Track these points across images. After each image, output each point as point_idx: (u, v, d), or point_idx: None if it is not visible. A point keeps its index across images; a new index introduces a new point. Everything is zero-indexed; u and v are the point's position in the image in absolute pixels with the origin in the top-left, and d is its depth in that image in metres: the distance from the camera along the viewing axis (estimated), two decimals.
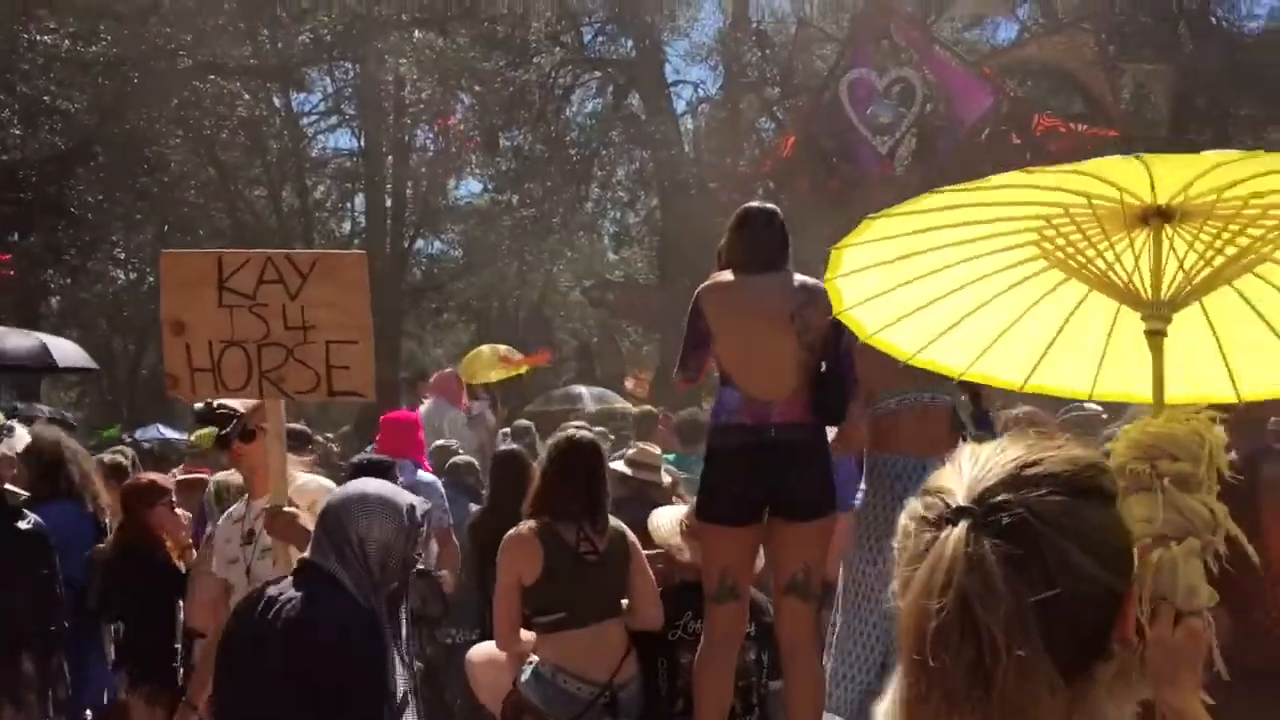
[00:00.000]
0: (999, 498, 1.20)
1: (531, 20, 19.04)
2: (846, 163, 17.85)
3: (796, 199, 17.53)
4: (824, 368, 4.35)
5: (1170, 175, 1.82)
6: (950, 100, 17.73)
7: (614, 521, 4.50)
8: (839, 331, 4.25)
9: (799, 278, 4.44)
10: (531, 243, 23.48)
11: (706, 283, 4.53)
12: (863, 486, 4.70)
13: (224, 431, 4.09)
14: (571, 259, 24.40)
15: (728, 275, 4.49)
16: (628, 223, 25.41)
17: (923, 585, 1.18)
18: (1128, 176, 1.84)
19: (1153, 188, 1.86)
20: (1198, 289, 1.94)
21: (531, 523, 4.40)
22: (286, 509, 3.87)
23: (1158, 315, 1.94)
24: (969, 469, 1.25)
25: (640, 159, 23.49)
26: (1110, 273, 1.98)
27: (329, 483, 4.28)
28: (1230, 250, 1.91)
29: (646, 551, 4.57)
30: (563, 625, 4.29)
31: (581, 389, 14.69)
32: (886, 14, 18.44)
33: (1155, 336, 1.94)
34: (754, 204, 4.80)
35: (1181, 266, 1.94)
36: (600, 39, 23.97)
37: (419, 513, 3.00)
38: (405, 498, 3.05)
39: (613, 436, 11.78)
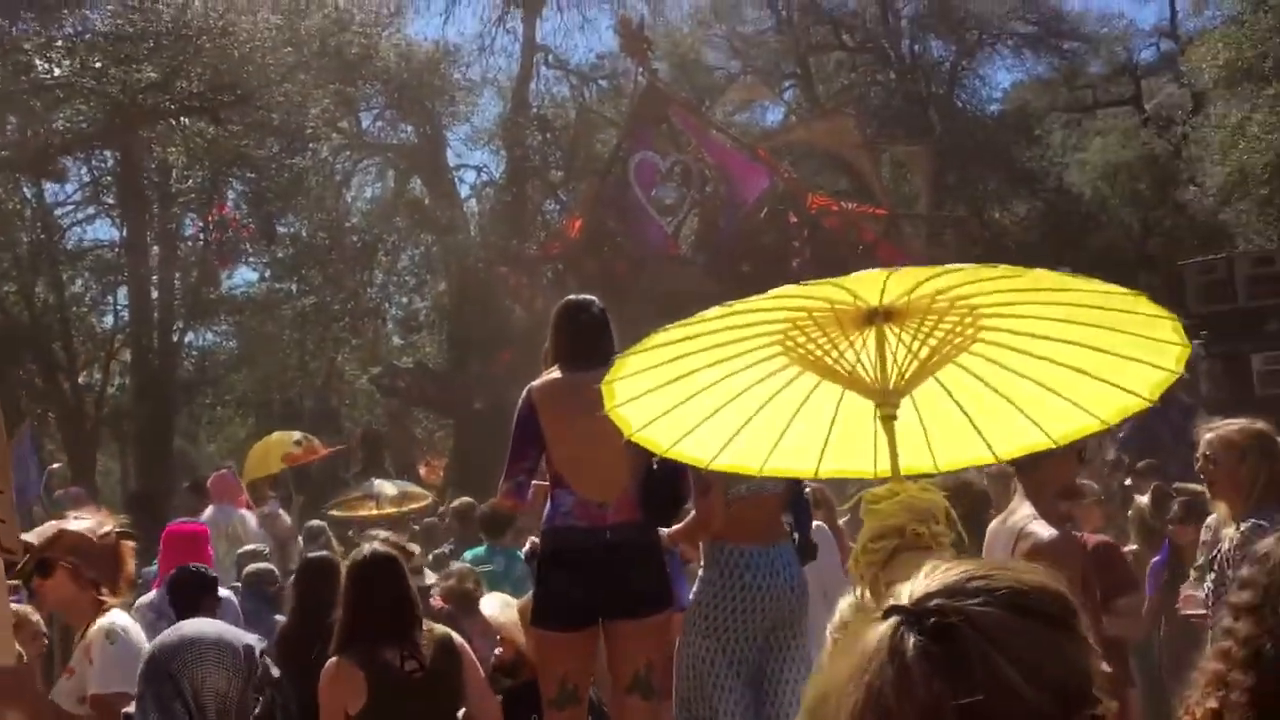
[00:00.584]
0: (934, 602, 1.21)
1: (309, 106, 18.61)
2: (633, 243, 18.18)
3: (585, 281, 17.71)
4: (654, 464, 4.30)
5: (900, 283, 2.06)
6: (729, 181, 18.38)
7: (438, 629, 4.30)
8: None
9: None
10: (313, 331, 22.74)
11: (537, 382, 4.46)
12: (701, 574, 4.67)
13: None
14: (356, 346, 23.75)
15: (556, 373, 4.42)
16: (415, 308, 25.03)
17: (848, 673, 1.19)
18: (864, 284, 2.09)
19: (883, 293, 2.10)
20: (914, 379, 2.18)
21: (350, 652, 4.09)
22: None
23: (888, 403, 2.16)
24: (921, 579, 1.25)
25: (425, 243, 23.25)
26: (842, 366, 2.22)
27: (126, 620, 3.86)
28: (932, 342, 2.19)
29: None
30: None
31: (377, 481, 14.22)
32: (664, 100, 19.03)
33: (888, 420, 2.15)
34: (573, 297, 4.78)
35: (897, 359, 2.20)
36: (379, 124, 23.74)
37: (256, 651, 2.72)
38: (241, 638, 2.76)
39: (416, 526, 11.41)
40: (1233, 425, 4.32)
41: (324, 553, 6.91)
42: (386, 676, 4.05)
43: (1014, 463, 4.19)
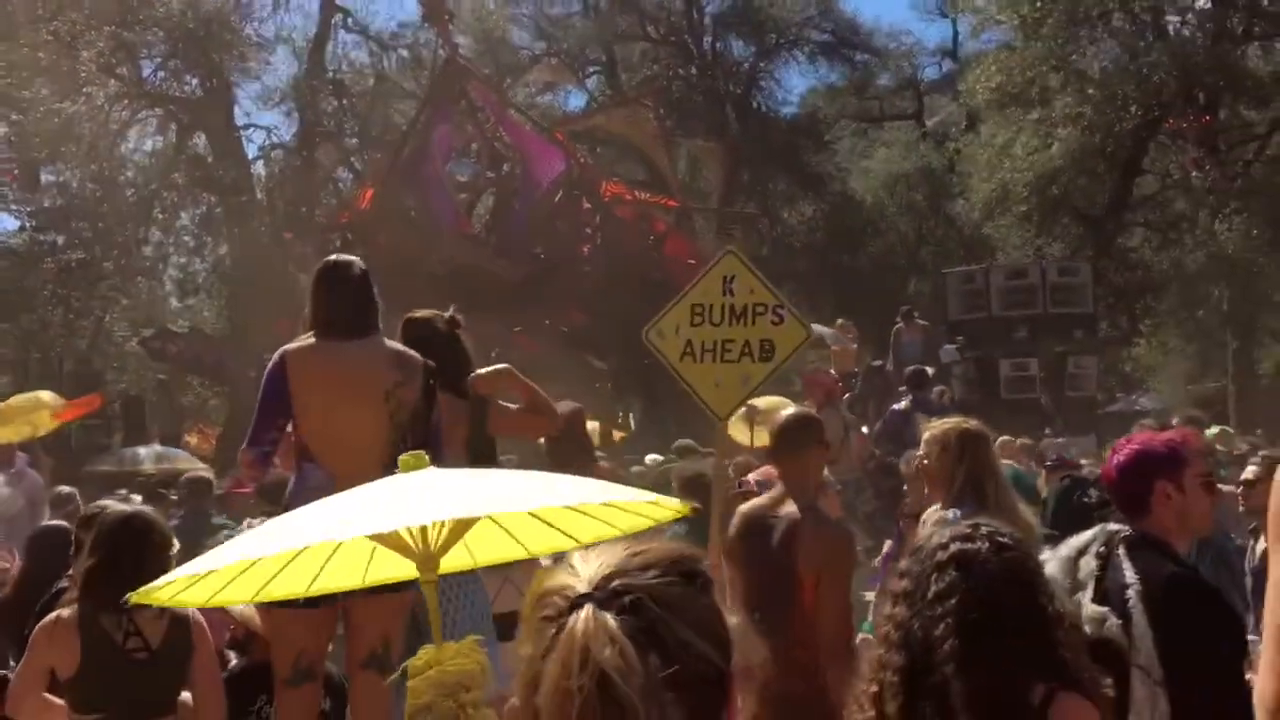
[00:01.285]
0: (616, 582, 1.27)
1: (81, 49, 17.47)
2: (426, 218, 17.93)
3: (374, 253, 17.35)
4: (405, 442, 4.28)
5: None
6: (526, 163, 18.37)
7: (179, 611, 4.15)
8: (430, 406, 4.24)
9: (393, 347, 4.31)
10: (81, 288, 21.40)
11: (292, 345, 4.30)
12: None
13: None
14: (127, 307, 22.49)
15: (312, 339, 4.30)
16: (193, 270, 23.90)
17: (561, 668, 1.22)
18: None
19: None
20: (447, 542, 2.15)
21: (71, 610, 3.89)
22: None
23: (428, 567, 2.14)
24: (581, 565, 1.31)
25: (207, 203, 22.22)
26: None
27: None
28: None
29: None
30: None
31: (140, 449, 13.51)
32: (464, 75, 18.82)
33: (428, 585, 2.15)
34: (335, 257, 4.58)
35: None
36: (161, 75, 22.50)
37: None
38: None
39: (174, 495, 10.94)
40: (946, 423, 4.57)
41: (59, 522, 6.57)
42: (103, 649, 3.84)
43: (777, 458, 4.50)
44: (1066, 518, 5.85)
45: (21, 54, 16.87)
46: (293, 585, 2.24)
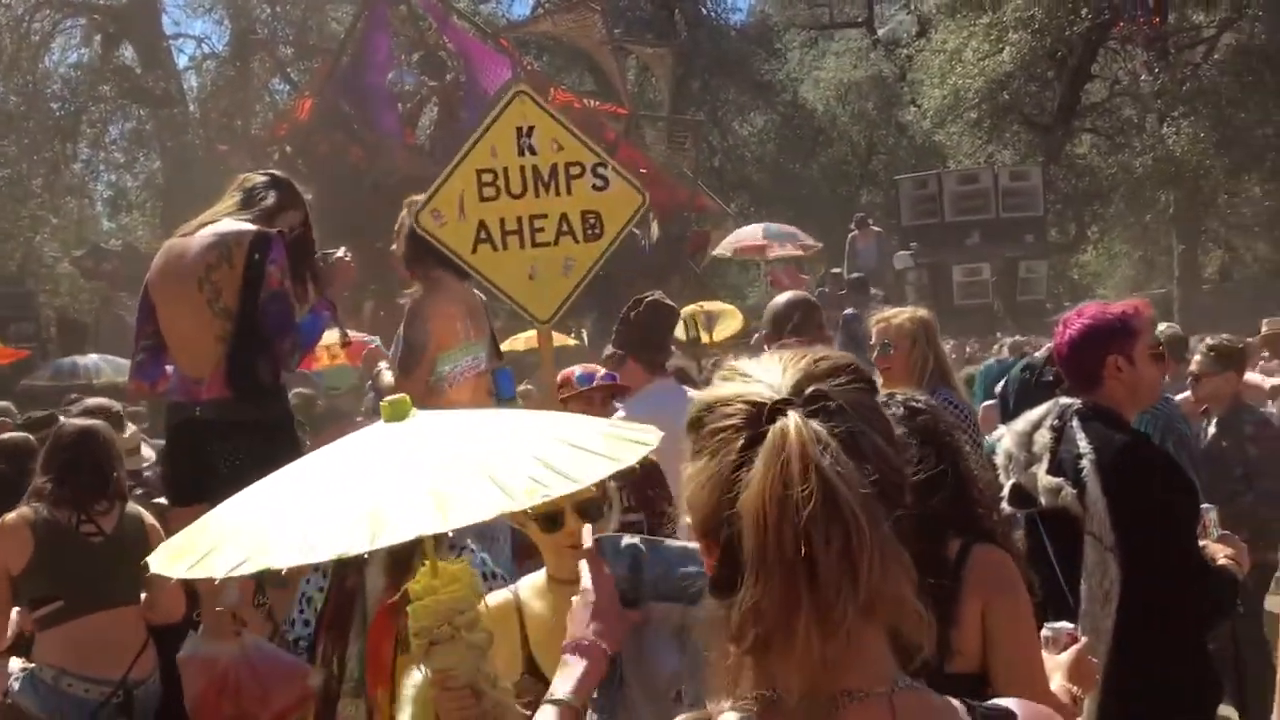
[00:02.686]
0: (813, 388, 1.20)
1: None
2: (368, 129, 17.39)
3: (317, 164, 16.83)
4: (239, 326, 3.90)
5: None
6: (470, 70, 17.83)
7: (132, 507, 4.11)
8: (257, 286, 3.89)
9: (221, 228, 3.98)
10: (7, 207, 20.66)
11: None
12: None
13: None
14: (57, 226, 21.77)
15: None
16: (124, 186, 23.10)
17: (775, 478, 1.14)
18: None
19: None
20: None
21: (21, 509, 3.93)
22: None
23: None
24: (762, 372, 1.24)
25: (137, 117, 21.41)
26: None
27: None
28: None
29: None
30: (62, 617, 3.81)
31: (86, 359, 13.08)
32: None
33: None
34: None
35: None
36: None
37: None
38: None
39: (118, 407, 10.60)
40: (902, 313, 4.47)
41: (18, 433, 6.28)
42: (58, 536, 3.86)
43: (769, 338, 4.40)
44: (1026, 401, 5.75)
45: None
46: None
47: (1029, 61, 21.12)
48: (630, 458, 1.76)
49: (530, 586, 2.37)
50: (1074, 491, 3.04)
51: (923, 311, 4.53)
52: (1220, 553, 3.12)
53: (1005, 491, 3.17)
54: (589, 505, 2.21)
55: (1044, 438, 3.18)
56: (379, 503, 1.68)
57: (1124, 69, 22.93)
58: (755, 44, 26.80)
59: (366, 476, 1.79)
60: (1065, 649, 2.38)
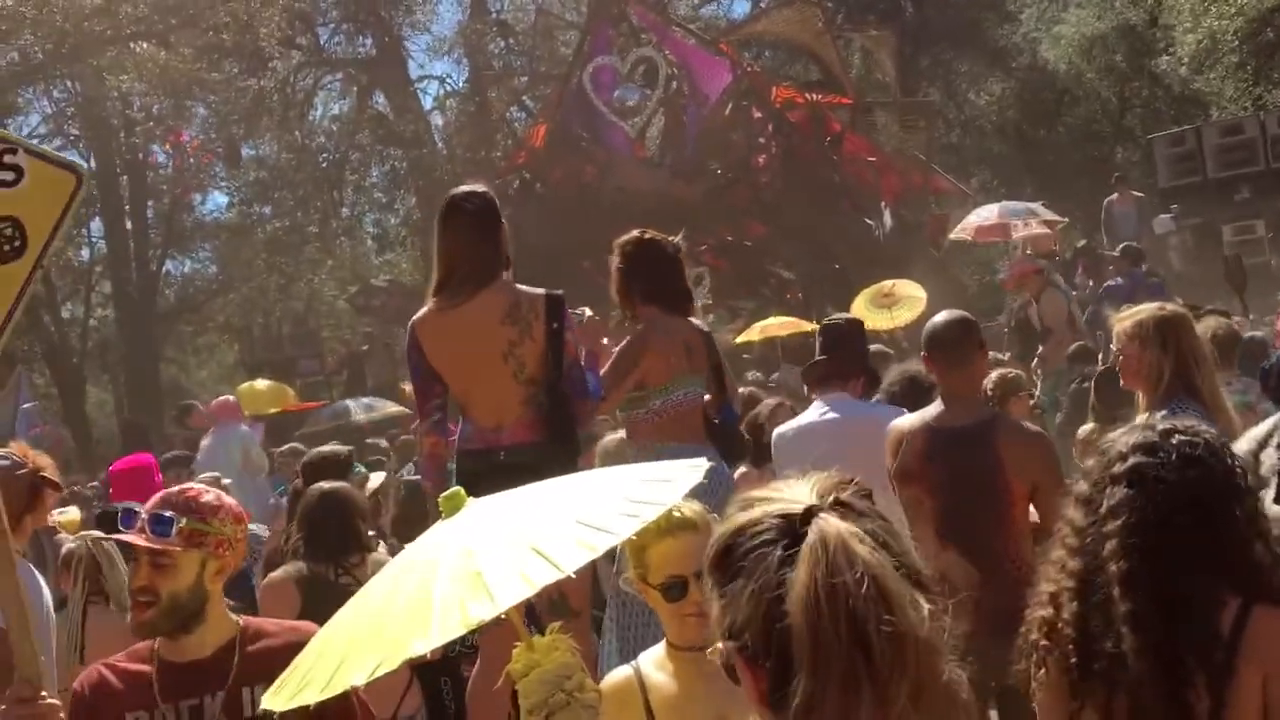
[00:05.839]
0: (833, 496, 1.38)
1: (259, 26, 18.22)
2: (599, 147, 17.93)
3: (552, 189, 17.53)
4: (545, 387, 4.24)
5: None
6: (692, 78, 18.06)
7: (377, 555, 4.39)
8: (559, 354, 4.20)
9: (512, 298, 4.23)
10: (289, 254, 22.66)
11: (419, 313, 4.36)
12: None
13: None
14: (333, 267, 23.67)
15: (433, 303, 4.30)
16: (388, 225, 24.84)
17: (822, 571, 1.27)
18: None
19: None
20: None
21: (285, 568, 4.32)
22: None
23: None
24: (779, 494, 1.40)
25: (393, 159, 22.97)
26: None
27: None
28: None
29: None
30: None
31: (348, 402, 14.35)
32: None
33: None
34: (452, 193, 4.47)
35: None
36: (337, 39, 23.26)
37: None
38: None
39: (385, 443, 11.52)
40: (1140, 313, 4.05)
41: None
42: (317, 588, 4.16)
43: (941, 370, 4.12)
44: None
45: (206, 38, 17.72)
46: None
47: None
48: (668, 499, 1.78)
49: (651, 660, 2.40)
50: None
51: (1168, 309, 4.13)
52: None
53: None
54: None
55: (1272, 457, 2.97)
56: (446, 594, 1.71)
57: None
58: (986, 9, 25.63)
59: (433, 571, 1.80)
60: None
